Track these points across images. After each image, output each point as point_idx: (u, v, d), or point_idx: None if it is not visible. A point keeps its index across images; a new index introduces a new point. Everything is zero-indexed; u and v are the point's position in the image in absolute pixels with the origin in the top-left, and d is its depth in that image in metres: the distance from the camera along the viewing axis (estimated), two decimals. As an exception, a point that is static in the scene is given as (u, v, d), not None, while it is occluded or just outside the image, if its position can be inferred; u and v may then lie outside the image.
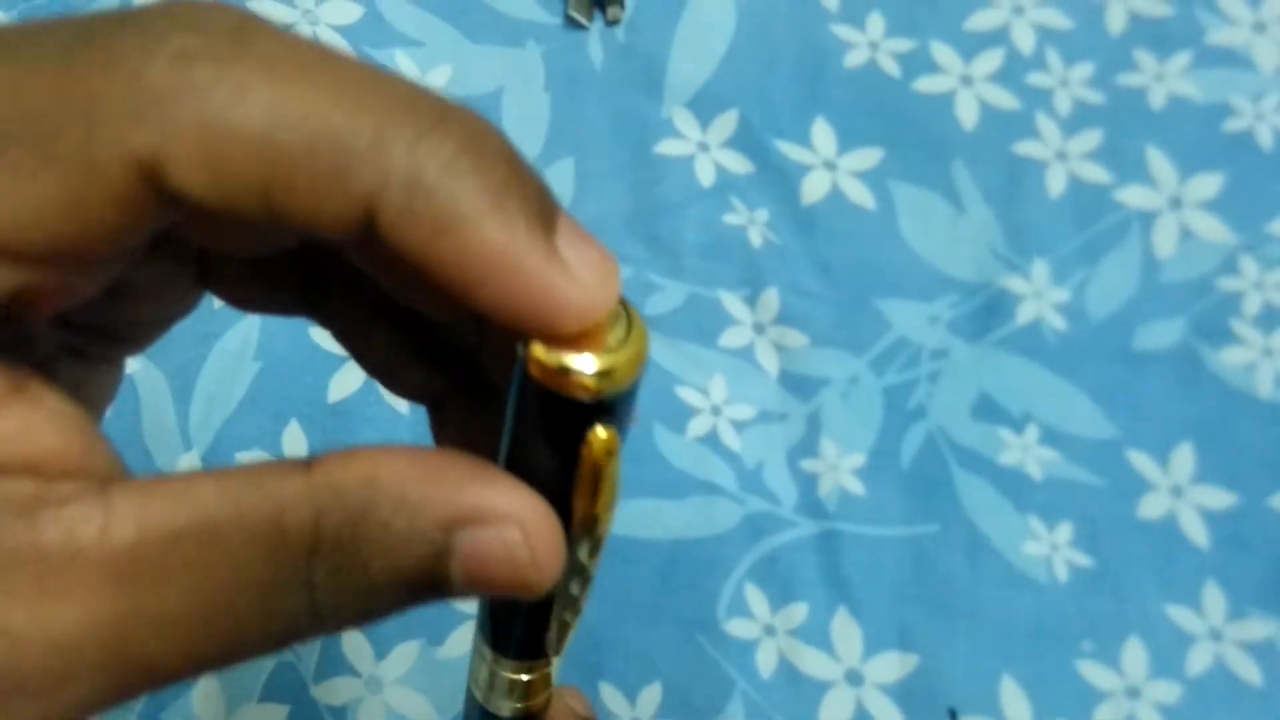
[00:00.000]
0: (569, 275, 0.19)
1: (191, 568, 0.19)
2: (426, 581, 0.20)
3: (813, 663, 0.45)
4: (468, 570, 0.20)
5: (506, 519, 0.20)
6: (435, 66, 0.54)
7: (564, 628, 0.25)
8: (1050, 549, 0.47)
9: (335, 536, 0.19)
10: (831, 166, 0.53)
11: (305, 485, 0.19)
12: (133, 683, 0.19)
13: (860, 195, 0.53)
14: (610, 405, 0.20)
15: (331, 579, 0.19)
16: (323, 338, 0.48)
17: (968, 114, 0.54)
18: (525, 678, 0.26)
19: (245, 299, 0.26)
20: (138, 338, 0.26)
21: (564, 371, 0.19)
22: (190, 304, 0.26)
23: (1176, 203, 0.53)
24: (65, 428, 0.20)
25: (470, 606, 0.45)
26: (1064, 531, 0.48)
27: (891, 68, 0.55)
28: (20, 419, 0.20)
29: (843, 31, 0.56)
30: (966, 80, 0.55)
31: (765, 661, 0.45)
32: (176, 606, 0.19)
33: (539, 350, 0.19)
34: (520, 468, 0.21)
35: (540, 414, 0.20)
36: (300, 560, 0.19)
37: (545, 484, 0.21)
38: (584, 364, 0.19)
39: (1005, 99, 0.55)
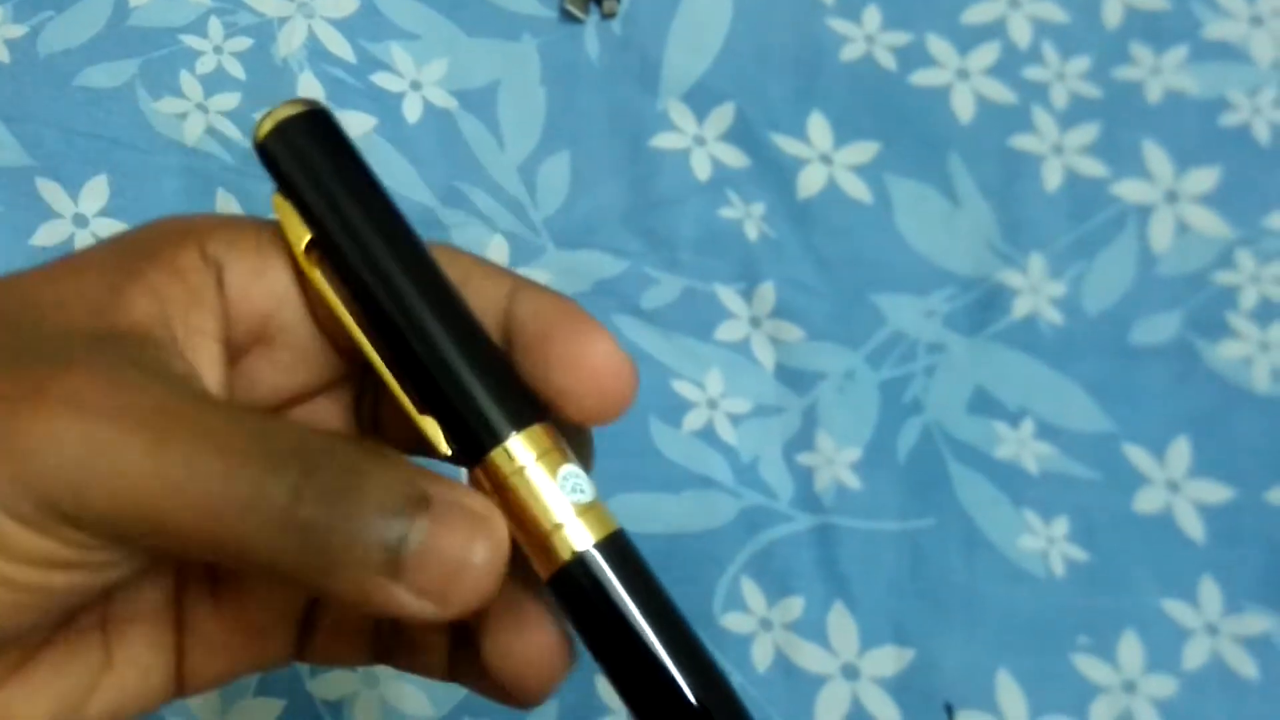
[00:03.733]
0: None
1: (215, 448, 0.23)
2: (394, 514, 0.23)
3: (809, 657, 0.45)
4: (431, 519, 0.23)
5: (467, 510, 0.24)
6: (431, 60, 0.54)
7: None
8: (1046, 543, 0.47)
9: (329, 462, 0.23)
10: (828, 160, 0.53)
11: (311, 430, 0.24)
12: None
13: (856, 189, 0.53)
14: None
15: (316, 492, 0.22)
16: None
17: (964, 107, 0.54)
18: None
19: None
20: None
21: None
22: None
23: (1173, 196, 0.53)
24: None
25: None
26: (1060, 526, 0.48)
27: (888, 61, 0.55)
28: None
29: (839, 25, 0.56)
30: (963, 74, 0.55)
31: (761, 655, 0.45)
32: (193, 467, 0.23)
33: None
34: None
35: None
36: (291, 465, 0.23)
37: None
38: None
39: (1002, 93, 0.55)
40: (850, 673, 0.45)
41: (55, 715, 0.26)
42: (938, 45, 0.55)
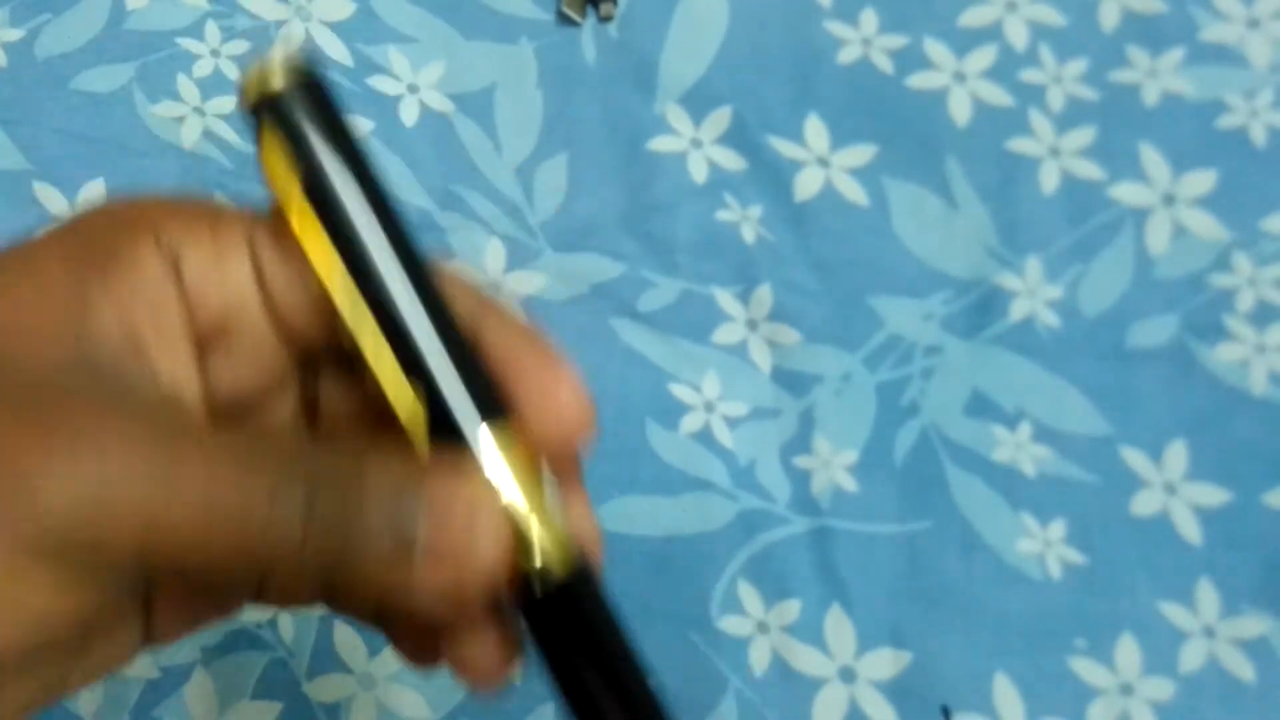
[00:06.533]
0: None
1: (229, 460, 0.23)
2: (399, 506, 0.23)
3: (806, 660, 0.45)
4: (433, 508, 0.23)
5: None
6: (428, 63, 0.54)
7: None
8: (1043, 546, 0.47)
9: (345, 470, 0.23)
10: (825, 163, 0.53)
11: (333, 448, 0.24)
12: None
13: (853, 192, 0.53)
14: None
15: (330, 495, 0.23)
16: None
17: (961, 110, 0.54)
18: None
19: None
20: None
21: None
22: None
23: (1170, 199, 0.53)
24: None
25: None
26: (1057, 528, 0.48)
27: (885, 64, 0.55)
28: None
29: (836, 28, 0.56)
30: (960, 77, 0.55)
31: (758, 659, 0.45)
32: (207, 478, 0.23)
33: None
34: None
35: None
36: (312, 478, 0.23)
37: None
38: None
39: (998, 95, 0.55)
40: (847, 675, 0.45)
41: (44, 692, 0.26)
42: (935, 48, 0.55)
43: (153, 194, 0.27)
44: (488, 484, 0.24)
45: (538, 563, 0.25)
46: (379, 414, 0.27)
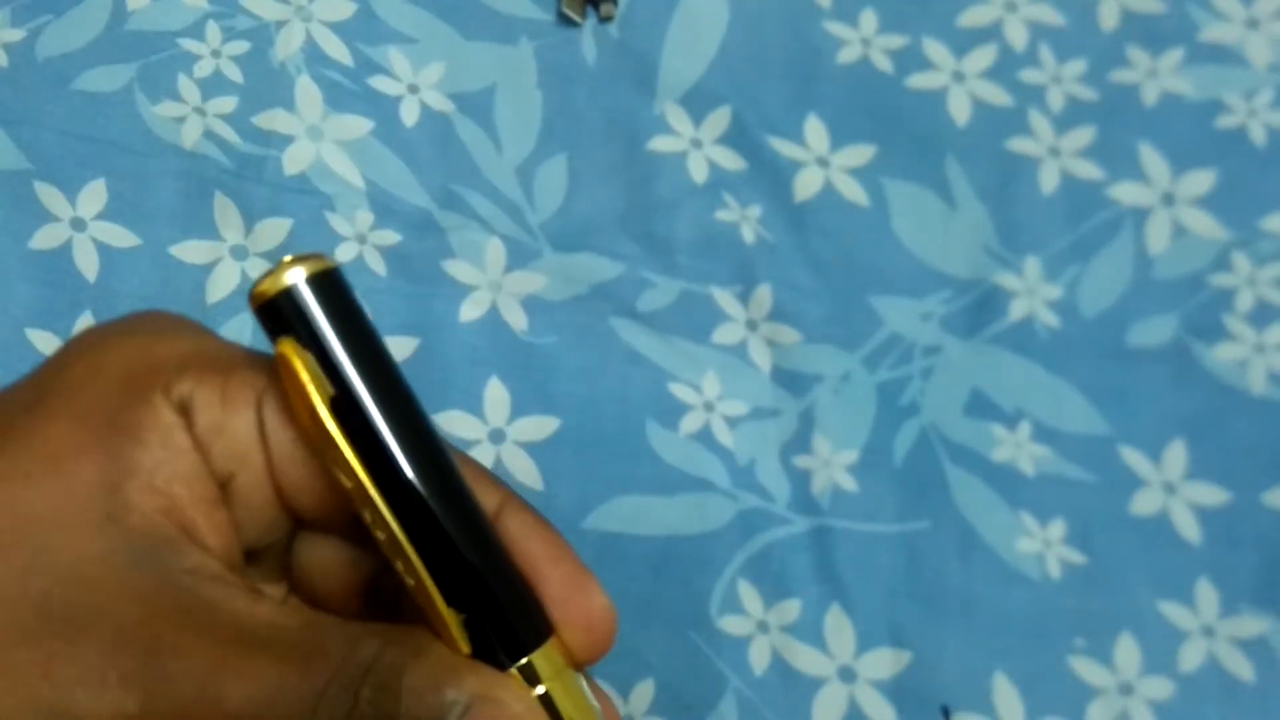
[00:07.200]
0: None
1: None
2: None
3: (806, 659, 0.45)
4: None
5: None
6: (428, 63, 0.54)
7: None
8: (1043, 545, 0.47)
9: (385, 668, 0.23)
10: (824, 163, 0.53)
11: (378, 642, 0.24)
12: None
13: (853, 192, 0.53)
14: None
15: (373, 696, 0.23)
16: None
17: (960, 110, 0.54)
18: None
19: None
20: None
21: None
22: None
23: (1169, 199, 0.53)
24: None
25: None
26: (1056, 528, 0.48)
27: (884, 64, 0.55)
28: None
29: (835, 28, 0.56)
30: (959, 77, 0.55)
31: (758, 658, 0.45)
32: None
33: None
34: None
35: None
36: (354, 677, 0.23)
37: None
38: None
39: (998, 95, 0.55)
40: (847, 675, 0.45)
41: None
42: (934, 48, 0.55)
43: (167, 327, 0.27)
44: (533, 705, 0.25)
45: None
46: (366, 586, 0.27)
